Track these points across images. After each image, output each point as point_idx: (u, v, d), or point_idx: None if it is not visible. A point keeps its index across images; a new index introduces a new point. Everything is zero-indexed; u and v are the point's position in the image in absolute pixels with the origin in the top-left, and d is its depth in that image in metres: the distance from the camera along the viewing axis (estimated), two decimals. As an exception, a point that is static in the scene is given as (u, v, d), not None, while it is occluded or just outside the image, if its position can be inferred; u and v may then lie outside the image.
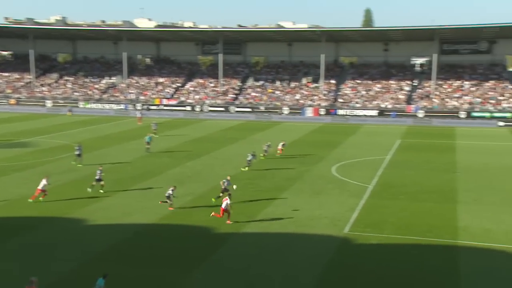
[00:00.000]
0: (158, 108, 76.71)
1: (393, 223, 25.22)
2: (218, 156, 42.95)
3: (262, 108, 73.14)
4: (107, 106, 78.95)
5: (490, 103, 65.80)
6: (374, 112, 68.74)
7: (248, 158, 37.07)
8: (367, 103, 70.97)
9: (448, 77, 74.03)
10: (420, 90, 72.11)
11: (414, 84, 74.58)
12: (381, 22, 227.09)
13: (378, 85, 75.00)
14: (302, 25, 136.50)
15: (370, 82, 76.56)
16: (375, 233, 23.87)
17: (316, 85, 77.46)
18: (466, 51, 75.57)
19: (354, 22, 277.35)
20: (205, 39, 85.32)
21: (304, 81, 79.22)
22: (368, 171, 37.03)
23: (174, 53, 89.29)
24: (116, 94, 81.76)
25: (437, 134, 56.69)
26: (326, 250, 21.78)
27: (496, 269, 19.76)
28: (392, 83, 75.19)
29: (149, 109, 76.28)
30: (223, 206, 24.86)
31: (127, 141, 50.89)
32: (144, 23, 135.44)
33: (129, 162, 39.09)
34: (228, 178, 28.84)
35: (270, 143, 43.42)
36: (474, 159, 41.24)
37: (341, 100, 72.52)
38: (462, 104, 66.75)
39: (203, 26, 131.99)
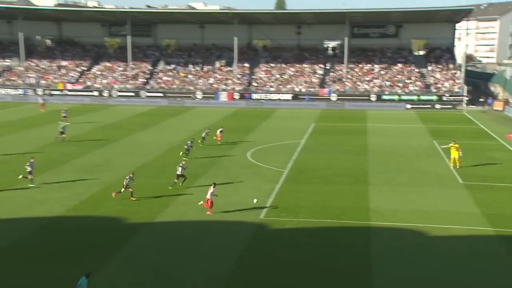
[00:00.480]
0: (61, 94, 72.90)
1: (308, 207, 25.98)
2: (129, 143, 41.79)
3: (174, 93, 72.01)
4: (2, 91, 73.69)
5: (399, 86, 69.67)
6: (288, 96, 70.12)
7: (186, 146, 36.29)
8: (281, 87, 72.23)
9: (359, 60, 77.19)
10: (332, 74, 74.60)
11: (327, 67, 76.98)
12: (293, 5, 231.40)
13: (292, 69, 76.54)
14: (214, 7, 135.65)
15: (284, 65, 77.87)
16: (291, 217, 24.45)
17: (229, 68, 77.47)
18: (375, 35, 79.17)
19: (267, 4, 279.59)
20: (112, 20, 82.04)
21: (217, 64, 78.93)
22: (283, 155, 37.74)
23: (78, 34, 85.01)
24: (13, 78, 76.46)
25: (349, 117, 59.08)
26: (242, 237, 22.00)
27: (404, 248, 21.04)
28: (306, 66, 77.06)
29: (51, 95, 72.24)
30: (208, 195, 24.47)
31: (29, 128, 48.06)
32: (42, 1, 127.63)
33: (33, 152, 36.86)
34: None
35: (209, 130, 42.71)
36: (384, 141, 43.48)
37: (255, 84, 73.18)
38: (373, 87, 70.04)
39: (109, 6, 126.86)
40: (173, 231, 22.67)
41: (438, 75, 71.40)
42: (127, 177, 27.04)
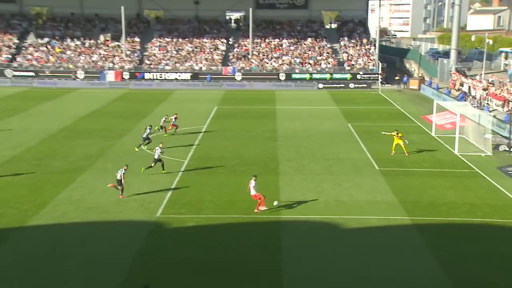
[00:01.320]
0: None
1: (212, 201, 26.14)
2: (-8, 134, 39.37)
3: (49, 71, 68.70)
4: None
5: (309, 63, 71.75)
6: (187, 76, 69.68)
7: (144, 135, 35.48)
8: (178, 65, 71.54)
9: (266, 34, 78.36)
10: (237, 50, 75.12)
11: (230, 42, 77.33)
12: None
13: (190, 44, 76.02)
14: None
15: (180, 40, 77.10)
16: (193, 214, 24.48)
17: (116, 43, 75.28)
18: (283, 5, 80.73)
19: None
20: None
21: (101, 38, 76.37)
22: (183, 143, 37.68)
23: None
24: None
25: (256, 98, 59.94)
26: (135, 239, 21.73)
27: (318, 243, 21.86)
28: (206, 41, 76.88)
29: None
30: (252, 192, 24.48)
31: None
32: None
33: None
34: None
35: (166, 116, 40.98)
36: (295, 125, 44.67)
37: (148, 62, 71.83)
38: (282, 65, 71.53)
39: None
40: (50, 236, 21.84)
41: (351, 51, 74.46)
42: (120, 171, 26.47)
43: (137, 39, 76.46)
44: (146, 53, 74.38)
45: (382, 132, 37.01)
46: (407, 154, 34.84)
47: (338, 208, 25.61)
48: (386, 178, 30.17)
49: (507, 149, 36.20)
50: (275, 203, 25.42)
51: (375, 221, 24.08)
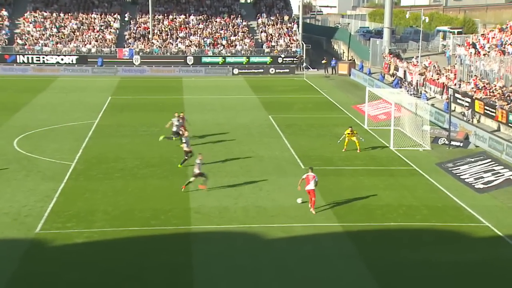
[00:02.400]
0: None
1: (107, 212, 25.74)
2: None
3: None
4: None
5: (222, 45, 72.00)
6: (72, 59, 68.01)
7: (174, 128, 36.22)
8: (60, 45, 69.63)
9: (169, 10, 77.81)
10: (134, 28, 74.11)
11: (125, 19, 76.14)
12: None
13: (75, 20, 74.17)
14: None
15: (62, 15, 75.03)
16: (82, 228, 24.03)
17: (-18, 19, 72.23)
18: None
19: None
20: None
21: (-39, 12, 73.00)
22: (69, 142, 36.93)
23: None
24: None
25: (159, 87, 59.40)
26: (7, 261, 21.10)
27: (235, 256, 22.02)
28: (95, 17, 75.29)
29: None
30: (312, 186, 25.62)
31: None
32: None
33: None
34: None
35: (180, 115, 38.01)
36: (207, 118, 44.67)
37: (20, 42, 69.39)
38: (189, 46, 71.31)
39: None
40: None
41: (271, 30, 75.41)
42: (197, 161, 28.23)
43: (4, 13, 73.61)
44: (17, 31, 71.76)
45: (338, 141, 36.77)
46: (358, 151, 35.72)
47: (259, 215, 25.87)
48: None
49: (446, 142, 37.94)
50: (299, 200, 26.74)
51: (301, 229, 24.52)
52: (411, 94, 49.59)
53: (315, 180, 25.82)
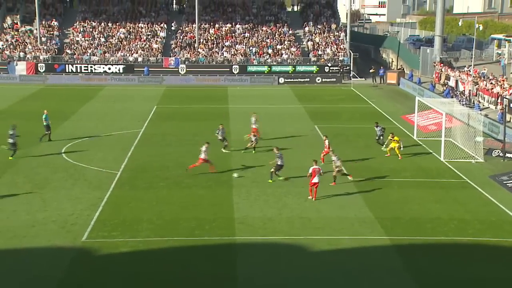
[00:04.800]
0: None
1: (152, 221, 25.95)
2: None
3: None
4: None
5: (268, 53, 72.20)
6: (119, 68, 69.02)
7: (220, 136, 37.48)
8: (108, 55, 70.81)
9: (215, 18, 78.43)
10: (180, 37, 74.90)
11: (172, 28, 77.04)
12: None
13: (123, 29, 75.39)
14: None
15: (110, 24, 76.36)
16: (127, 237, 24.25)
17: (28, 27, 73.95)
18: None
19: None
20: None
21: (8, 21, 74.86)
22: (115, 151, 37.36)
23: None
24: None
25: (204, 96, 59.77)
26: (54, 269, 21.41)
27: (279, 268, 21.94)
28: (142, 26, 76.38)
29: None
30: (317, 180, 28.37)
31: None
32: None
33: None
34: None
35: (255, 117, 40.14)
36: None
37: (69, 51, 70.84)
38: (235, 55, 71.71)
39: None
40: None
41: (317, 39, 75.31)
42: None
43: (55, 23, 75.26)
44: (66, 40, 73.27)
45: (383, 148, 37.31)
46: (400, 158, 35.91)
47: (304, 226, 25.77)
48: (360, 190, 30.55)
49: (501, 154, 37.20)
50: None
51: (347, 242, 24.33)
52: (463, 104, 48.84)
53: (320, 174, 28.61)
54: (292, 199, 29.16)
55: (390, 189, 30.96)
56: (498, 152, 37.50)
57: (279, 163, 31.45)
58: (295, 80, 68.53)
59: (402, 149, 36.49)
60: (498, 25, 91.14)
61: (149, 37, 74.48)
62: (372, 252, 23.60)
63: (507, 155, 36.91)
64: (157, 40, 74.12)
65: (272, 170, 31.65)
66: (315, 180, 28.41)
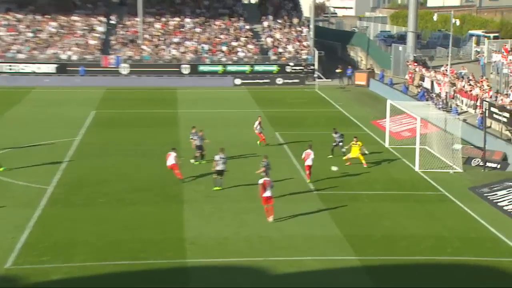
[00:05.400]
0: None
1: (89, 243, 25.71)
2: None
3: None
4: None
5: (222, 51, 72.22)
6: (51, 68, 68.27)
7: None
8: (37, 52, 69.98)
9: (161, 11, 78.17)
10: (121, 32, 74.45)
11: (111, 22, 76.52)
12: None
13: (54, 23, 74.59)
14: None
15: (38, 17, 75.49)
16: (60, 262, 23.95)
17: None
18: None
19: None
20: None
21: None
22: (46, 163, 36.96)
23: None
24: None
25: (150, 99, 59.54)
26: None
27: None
28: (76, 19, 75.68)
29: None
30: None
31: None
32: None
33: None
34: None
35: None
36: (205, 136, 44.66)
37: (-8, 48, 69.92)
38: (185, 53, 71.54)
39: None
40: None
41: (278, 35, 75.68)
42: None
43: (-28, 16, 74.15)
44: (-12, 36, 72.25)
45: (343, 157, 37.63)
46: (365, 165, 36.47)
47: (264, 247, 25.80)
48: (326, 205, 30.71)
49: (481, 163, 37.83)
50: (334, 168, 34.70)
51: (313, 263, 24.42)
52: (439, 108, 49.55)
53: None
54: (251, 215, 29.14)
55: (359, 203, 31.22)
56: (478, 161, 38.16)
57: (219, 168, 32.46)
58: (253, 81, 68.70)
59: (367, 154, 36.93)
60: (477, 19, 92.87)
61: (85, 32, 73.81)
62: (341, 274, 23.74)
63: (488, 164, 37.57)
64: (94, 35, 73.50)
65: (215, 176, 32.52)
66: (267, 193, 28.34)
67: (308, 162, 33.83)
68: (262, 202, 28.53)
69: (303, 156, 34.14)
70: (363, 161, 36.92)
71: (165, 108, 55.36)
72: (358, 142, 37.01)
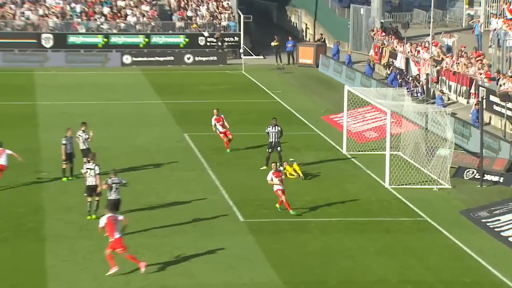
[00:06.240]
0: None
1: None
2: None
3: None
4: None
5: (103, 14, 71.70)
6: None
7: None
8: None
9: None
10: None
11: None
12: None
13: None
14: None
15: None
16: None
17: None
18: None
19: None
20: None
21: None
22: None
23: None
24: None
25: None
26: None
27: None
28: None
29: None
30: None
31: None
32: None
33: None
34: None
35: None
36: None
37: None
38: (45, 16, 70.76)
39: None
40: None
41: (185, -8, 75.63)
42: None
43: None
44: None
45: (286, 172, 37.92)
46: (303, 179, 37.23)
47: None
48: (258, 239, 30.79)
49: (477, 176, 38.12)
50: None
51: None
52: (417, 97, 50.11)
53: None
54: (151, 256, 28.88)
55: (306, 236, 31.33)
56: (473, 172, 38.41)
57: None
58: (149, 59, 68.56)
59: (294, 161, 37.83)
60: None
61: None
62: None
63: (486, 177, 37.81)
64: None
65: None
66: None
67: (279, 186, 33.09)
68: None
69: (269, 178, 33.35)
70: (300, 172, 37.00)
71: (17, 99, 54.82)
72: (294, 166, 37.63)
